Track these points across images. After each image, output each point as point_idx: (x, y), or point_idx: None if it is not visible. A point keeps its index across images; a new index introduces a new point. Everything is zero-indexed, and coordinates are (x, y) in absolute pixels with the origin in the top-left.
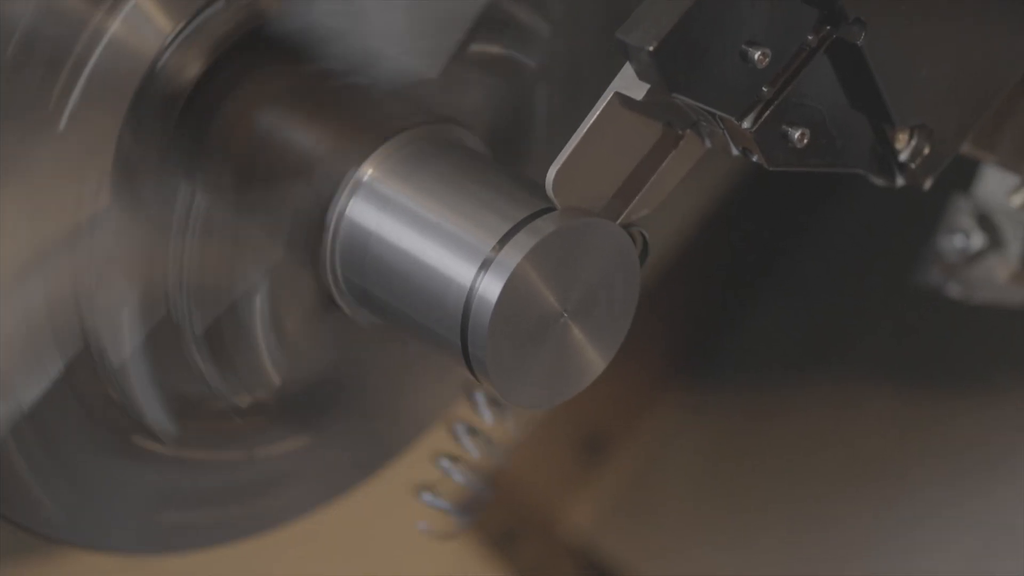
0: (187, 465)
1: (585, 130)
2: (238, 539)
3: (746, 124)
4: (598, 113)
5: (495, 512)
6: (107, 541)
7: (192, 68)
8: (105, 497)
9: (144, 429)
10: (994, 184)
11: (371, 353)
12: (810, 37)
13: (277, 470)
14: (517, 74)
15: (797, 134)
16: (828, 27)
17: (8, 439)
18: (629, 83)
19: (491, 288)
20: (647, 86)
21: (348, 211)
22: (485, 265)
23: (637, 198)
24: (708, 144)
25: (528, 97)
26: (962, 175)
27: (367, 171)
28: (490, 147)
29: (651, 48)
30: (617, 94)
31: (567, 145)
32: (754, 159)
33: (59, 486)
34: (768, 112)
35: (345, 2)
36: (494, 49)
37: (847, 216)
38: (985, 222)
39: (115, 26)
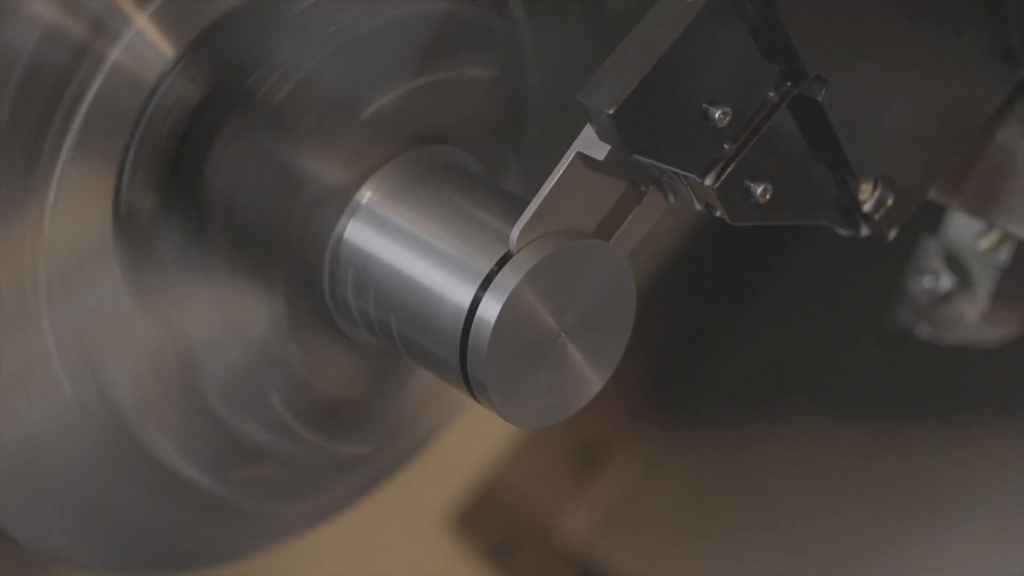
0: (189, 485)
1: (547, 190)
2: (236, 559)
3: (708, 181)
4: (560, 173)
5: (492, 521)
6: (110, 561)
7: (193, 94)
8: (108, 517)
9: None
10: (962, 226)
11: (371, 372)
12: (771, 94)
13: (278, 489)
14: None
15: (760, 189)
16: (789, 83)
17: (12, 460)
18: (590, 143)
19: (490, 309)
20: (608, 146)
21: (347, 233)
22: (484, 286)
23: None
24: (671, 200)
25: (521, 111)
26: (930, 217)
27: (365, 194)
28: (486, 167)
29: (611, 111)
30: (579, 154)
31: (530, 204)
32: (717, 215)
33: (62, 506)
34: (730, 169)
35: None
36: (482, 70)
37: (820, 253)
38: (954, 263)
39: (116, 52)
